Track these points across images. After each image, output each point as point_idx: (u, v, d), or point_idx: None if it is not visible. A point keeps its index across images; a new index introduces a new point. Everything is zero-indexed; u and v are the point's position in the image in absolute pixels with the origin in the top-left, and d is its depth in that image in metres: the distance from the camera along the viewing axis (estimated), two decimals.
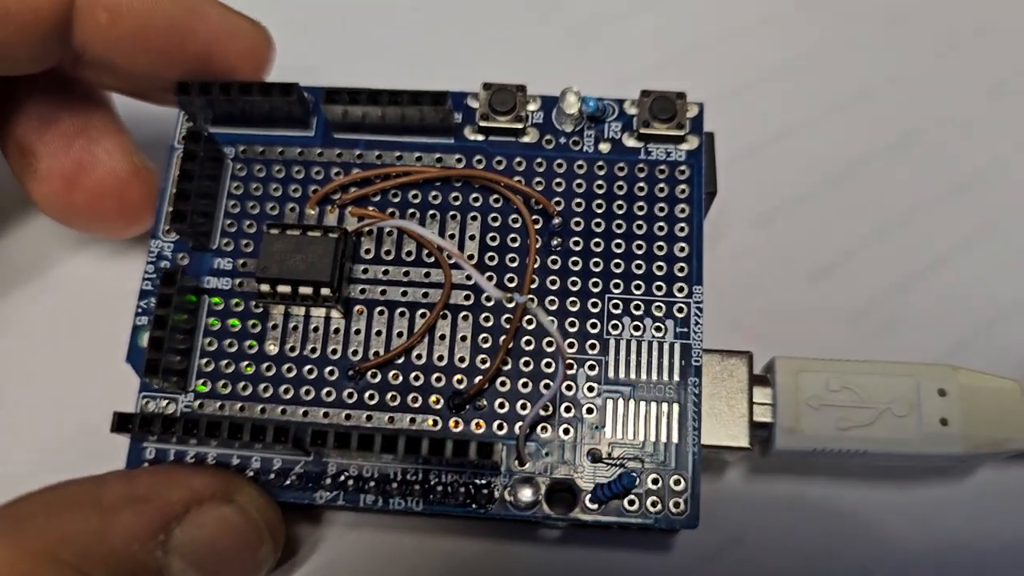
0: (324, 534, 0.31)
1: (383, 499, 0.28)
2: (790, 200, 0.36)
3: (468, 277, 0.29)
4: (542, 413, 0.28)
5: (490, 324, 0.29)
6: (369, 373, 0.28)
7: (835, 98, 0.37)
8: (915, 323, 0.33)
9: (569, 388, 0.28)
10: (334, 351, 0.29)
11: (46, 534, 0.24)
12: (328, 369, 0.29)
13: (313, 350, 0.29)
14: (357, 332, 0.29)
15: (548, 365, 0.28)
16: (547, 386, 0.28)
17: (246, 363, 0.29)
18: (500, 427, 0.28)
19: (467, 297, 0.29)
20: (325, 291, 0.28)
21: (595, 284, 0.29)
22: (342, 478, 0.28)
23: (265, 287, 0.28)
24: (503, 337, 0.28)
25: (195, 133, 0.29)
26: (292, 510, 0.29)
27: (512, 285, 0.29)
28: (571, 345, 0.28)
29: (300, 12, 0.40)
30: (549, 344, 0.28)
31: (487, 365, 0.28)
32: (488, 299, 0.29)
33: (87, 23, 0.29)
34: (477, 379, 0.28)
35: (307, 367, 0.29)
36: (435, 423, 0.28)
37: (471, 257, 0.29)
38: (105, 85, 0.32)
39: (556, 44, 0.40)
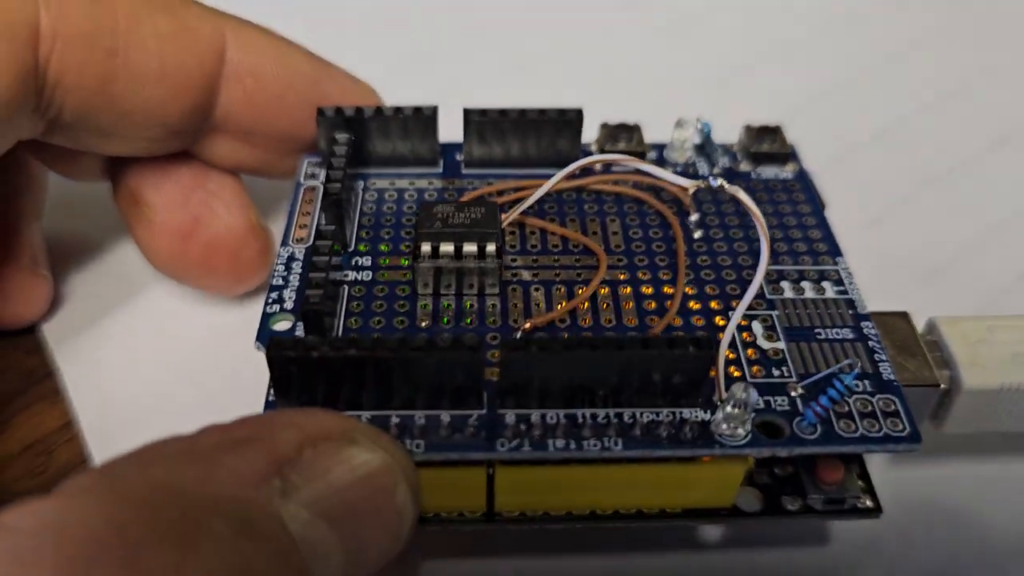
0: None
1: (576, 442, 0.24)
2: (893, 203, 0.38)
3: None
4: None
5: (651, 292, 0.28)
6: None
7: (929, 97, 0.41)
8: None
9: (749, 336, 0.27)
10: (493, 321, 0.27)
11: (140, 483, 0.20)
12: (489, 335, 0.27)
13: (470, 323, 0.27)
14: (515, 305, 0.27)
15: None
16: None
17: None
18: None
19: (623, 274, 0.29)
20: (491, 247, 0.27)
21: (744, 260, 0.29)
22: (523, 427, 0.24)
23: (426, 246, 0.27)
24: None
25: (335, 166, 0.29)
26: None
27: (666, 279, 0.29)
28: (736, 304, 0.28)
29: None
30: (713, 310, 0.28)
31: (654, 325, 0.27)
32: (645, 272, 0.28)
33: (234, 89, 0.30)
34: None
35: (466, 336, 0.26)
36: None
37: (618, 246, 0.29)
38: (234, 160, 0.32)
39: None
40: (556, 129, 0.31)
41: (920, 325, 0.29)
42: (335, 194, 0.28)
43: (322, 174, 0.31)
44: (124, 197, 0.31)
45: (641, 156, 0.32)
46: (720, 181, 0.26)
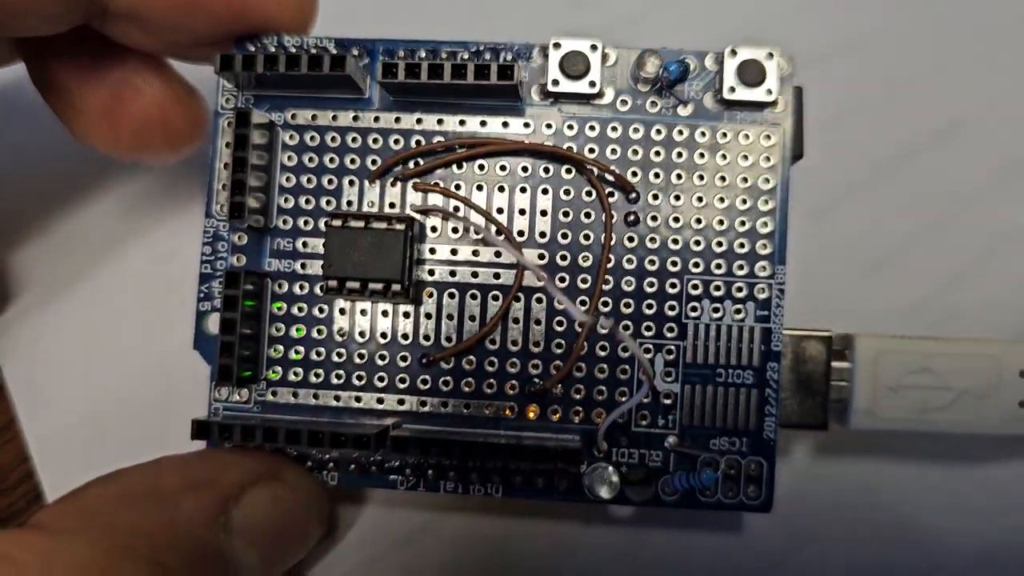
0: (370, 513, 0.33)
1: (463, 486, 0.28)
2: (842, 191, 0.34)
3: (538, 282, 0.28)
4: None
5: (564, 306, 0.28)
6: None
7: (879, 90, 0.35)
8: (972, 315, 0.33)
9: (646, 373, 0.28)
10: (405, 335, 0.28)
11: (117, 528, 0.25)
12: (400, 355, 0.28)
13: (383, 335, 0.28)
14: (428, 316, 0.28)
15: (625, 350, 0.28)
16: (624, 371, 0.28)
17: (316, 349, 0.28)
18: (577, 414, 0.28)
19: (540, 279, 0.28)
20: (395, 287, 0.27)
21: (673, 263, 0.28)
22: (422, 465, 0.28)
23: (332, 283, 0.27)
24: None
25: (243, 115, 0.27)
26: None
27: (587, 264, 0.28)
28: (648, 328, 0.28)
29: None
30: (626, 327, 0.28)
31: (562, 350, 0.28)
32: (563, 279, 0.28)
33: None
34: (553, 367, 0.28)
35: (379, 353, 0.28)
36: (512, 411, 0.28)
37: (543, 235, 0.28)
38: (136, 43, 0.29)
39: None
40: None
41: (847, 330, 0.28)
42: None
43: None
44: (47, 88, 0.30)
45: (592, 96, 0.28)
46: (610, 323, 0.24)
